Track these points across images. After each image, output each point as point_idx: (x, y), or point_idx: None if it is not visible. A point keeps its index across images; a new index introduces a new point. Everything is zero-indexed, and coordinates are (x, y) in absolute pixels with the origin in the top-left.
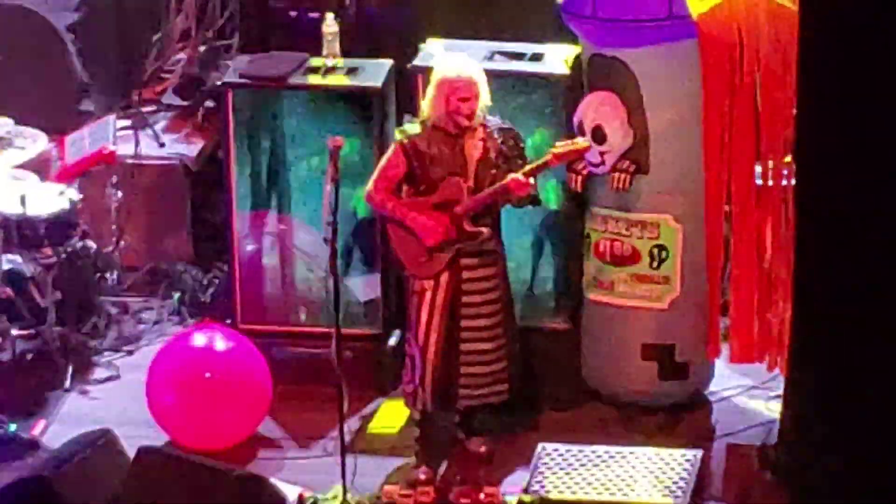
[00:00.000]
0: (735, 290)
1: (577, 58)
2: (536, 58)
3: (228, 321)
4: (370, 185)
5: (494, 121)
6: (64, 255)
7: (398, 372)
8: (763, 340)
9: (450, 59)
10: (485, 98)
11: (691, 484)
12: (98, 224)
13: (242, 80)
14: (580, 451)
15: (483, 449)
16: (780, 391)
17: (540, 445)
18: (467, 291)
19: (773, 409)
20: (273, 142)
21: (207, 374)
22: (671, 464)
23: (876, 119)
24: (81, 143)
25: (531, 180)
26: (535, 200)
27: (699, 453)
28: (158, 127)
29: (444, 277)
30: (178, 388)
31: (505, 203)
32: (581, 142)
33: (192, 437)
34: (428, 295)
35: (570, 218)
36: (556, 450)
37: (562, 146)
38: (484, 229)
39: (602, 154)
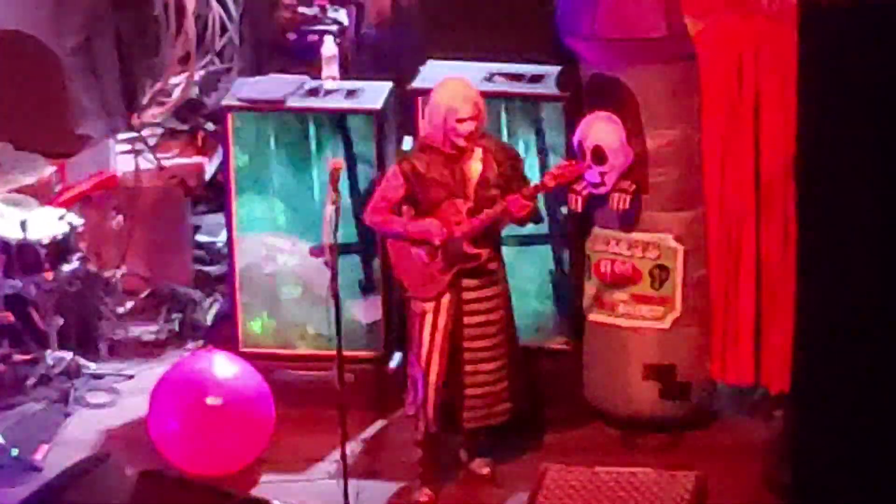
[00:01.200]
0: (735, 310)
1: (577, 78)
2: (536, 79)
3: (230, 345)
4: (369, 207)
5: (494, 141)
6: (65, 280)
7: (400, 394)
8: (764, 360)
9: (447, 80)
10: (483, 119)
11: None
12: (99, 248)
13: (242, 103)
14: (582, 472)
15: (486, 470)
16: (784, 411)
17: (543, 466)
18: (469, 312)
19: (777, 429)
20: (273, 164)
21: (209, 399)
22: (674, 484)
23: (876, 138)
24: (82, 167)
25: (529, 202)
26: (536, 218)
27: (701, 474)
28: (158, 150)
29: (446, 299)
30: (179, 414)
31: (507, 223)
32: (578, 163)
33: (194, 462)
34: (429, 317)
35: (571, 238)
36: (558, 471)
37: (559, 168)
38: (483, 251)
39: (602, 174)
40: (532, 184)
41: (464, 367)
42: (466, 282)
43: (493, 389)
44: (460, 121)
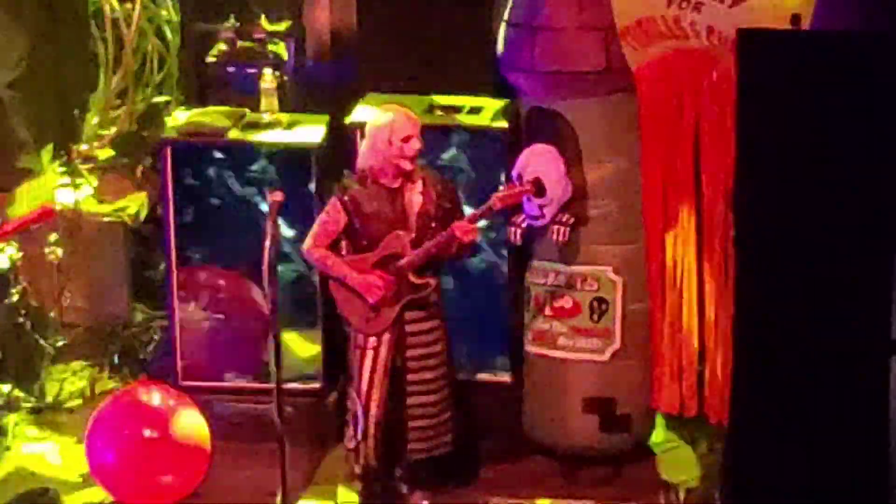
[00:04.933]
0: (678, 341)
1: (516, 110)
2: (475, 111)
3: (169, 378)
4: (308, 240)
5: (432, 173)
6: (5, 313)
7: (340, 427)
8: (708, 391)
9: (385, 106)
10: (421, 147)
11: None
12: (38, 281)
13: (181, 137)
14: None
15: (426, 503)
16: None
17: (482, 499)
18: (411, 345)
19: (715, 460)
20: (212, 198)
21: (146, 433)
22: None
23: (814, 168)
24: (21, 200)
25: (476, 225)
26: (473, 251)
27: None
28: (98, 183)
29: (387, 333)
30: (117, 446)
31: (446, 256)
32: (523, 185)
33: (132, 495)
34: (371, 350)
35: (510, 271)
36: None
37: (505, 190)
38: (431, 280)
39: (541, 207)
40: (479, 209)
41: (406, 399)
42: (409, 314)
43: (436, 421)
44: (406, 139)
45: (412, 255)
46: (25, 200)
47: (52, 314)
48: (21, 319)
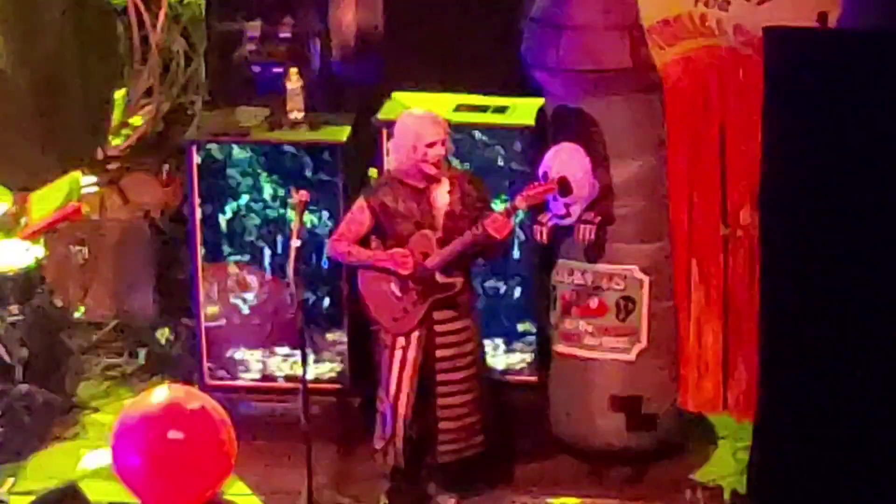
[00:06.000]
0: (703, 340)
1: (542, 109)
2: (500, 110)
3: (194, 378)
4: (333, 236)
5: (461, 172)
6: (30, 313)
7: (366, 427)
8: (731, 390)
9: (412, 109)
10: (450, 147)
11: None
12: (64, 281)
13: (207, 136)
14: None
15: (453, 502)
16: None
17: (509, 499)
18: (441, 345)
19: (742, 460)
20: (237, 197)
21: (171, 433)
22: None
23: (841, 166)
24: (46, 200)
25: (507, 220)
26: (504, 251)
27: None
28: (123, 183)
29: (416, 332)
30: (142, 448)
31: (476, 257)
32: (549, 184)
33: (157, 496)
34: (399, 350)
35: (536, 270)
36: (526, 503)
37: (530, 188)
38: (458, 280)
39: (567, 206)
40: (504, 207)
41: (436, 401)
42: (438, 314)
43: (467, 422)
44: (430, 145)
45: (439, 255)
46: (48, 200)
47: (77, 313)
48: (47, 319)
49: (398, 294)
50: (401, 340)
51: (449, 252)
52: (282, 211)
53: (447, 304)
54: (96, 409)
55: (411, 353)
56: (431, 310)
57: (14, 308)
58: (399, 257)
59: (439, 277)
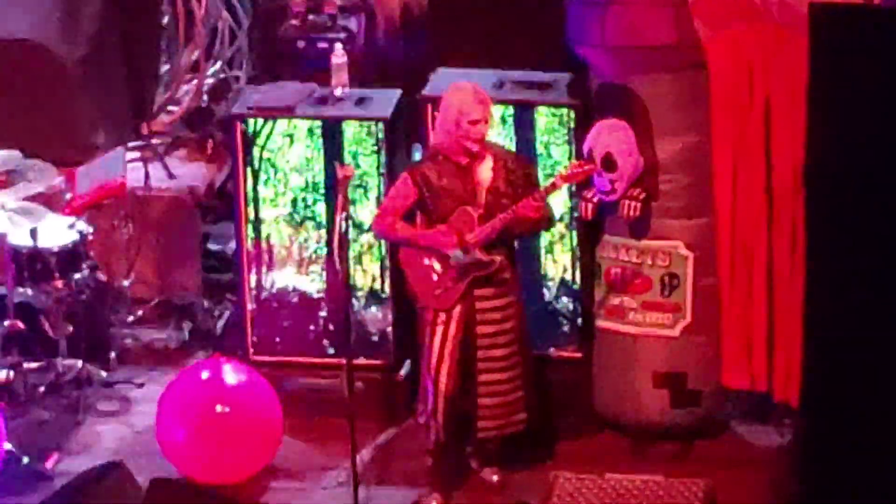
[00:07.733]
0: (747, 317)
1: (587, 86)
2: (545, 86)
3: (239, 353)
4: (377, 213)
5: (504, 150)
6: (75, 288)
7: (410, 402)
8: (776, 368)
9: (458, 84)
10: (494, 124)
11: None
12: (108, 256)
13: (251, 111)
14: (592, 481)
15: (496, 478)
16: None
17: (552, 474)
18: (482, 322)
19: (786, 438)
20: (282, 172)
21: (217, 408)
22: (683, 493)
23: (887, 146)
24: (91, 175)
25: (541, 203)
26: (549, 224)
27: (711, 482)
28: (168, 158)
29: (457, 308)
30: (187, 422)
31: (519, 232)
32: (588, 163)
33: (203, 470)
34: (441, 325)
35: (580, 246)
36: (568, 479)
37: (570, 168)
38: (497, 257)
39: (612, 182)
40: (543, 186)
41: (478, 377)
42: (479, 291)
43: (508, 399)
44: (473, 122)
45: (479, 231)
46: (93, 176)
47: (122, 289)
48: (92, 294)
49: (439, 271)
50: (442, 316)
51: (488, 230)
52: (326, 186)
53: (490, 280)
54: (141, 385)
55: (452, 330)
56: (472, 287)
57: (59, 283)
58: (442, 236)
59: (480, 254)
